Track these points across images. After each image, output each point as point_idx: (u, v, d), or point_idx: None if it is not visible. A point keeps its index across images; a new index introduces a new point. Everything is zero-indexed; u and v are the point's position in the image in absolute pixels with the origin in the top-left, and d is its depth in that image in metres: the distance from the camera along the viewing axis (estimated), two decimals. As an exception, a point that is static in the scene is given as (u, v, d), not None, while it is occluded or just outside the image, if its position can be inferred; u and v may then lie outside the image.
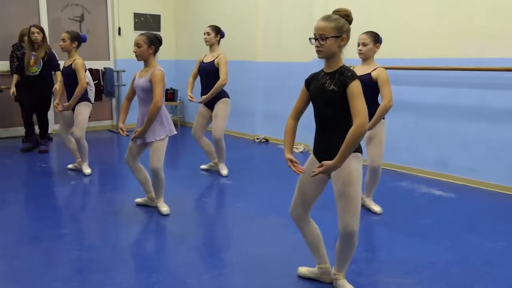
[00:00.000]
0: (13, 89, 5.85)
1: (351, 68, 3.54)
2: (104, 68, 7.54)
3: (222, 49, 4.83)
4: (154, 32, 3.70)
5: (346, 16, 2.25)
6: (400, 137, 5.14)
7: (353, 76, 2.20)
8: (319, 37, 2.22)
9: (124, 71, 7.68)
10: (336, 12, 2.26)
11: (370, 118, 3.16)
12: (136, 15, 7.96)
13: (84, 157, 4.95)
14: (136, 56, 3.58)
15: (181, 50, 8.47)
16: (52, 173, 5.10)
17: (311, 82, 2.39)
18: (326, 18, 2.23)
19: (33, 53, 5.52)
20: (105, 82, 7.47)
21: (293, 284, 2.66)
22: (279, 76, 6.69)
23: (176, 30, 8.48)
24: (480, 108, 4.60)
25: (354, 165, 2.30)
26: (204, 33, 4.78)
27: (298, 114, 2.48)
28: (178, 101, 8.22)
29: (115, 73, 7.70)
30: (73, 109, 4.80)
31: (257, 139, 6.97)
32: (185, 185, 4.67)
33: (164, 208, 3.77)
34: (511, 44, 4.32)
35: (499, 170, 4.51)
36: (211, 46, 4.79)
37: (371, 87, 3.51)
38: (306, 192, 2.47)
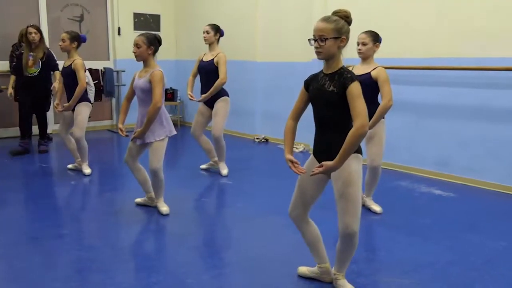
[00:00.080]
0: (10, 90, 5.81)
1: (351, 67, 3.57)
2: (104, 68, 7.54)
3: (222, 49, 4.83)
4: (154, 32, 3.70)
5: (345, 17, 2.25)
6: (400, 137, 5.14)
7: (353, 78, 2.20)
8: (319, 38, 2.22)
9: (124, 71, 7.69)
10: (335, 13, 2.26)
11: (370, 118, 3.16)
12: (136, 15, 7.96)
13: (84, 157, 4.95)
14: (136, 56, 3.58)
15: (181, 50, 8.47)
16: (52, 173, 5.10)
17: (310, 83, 2.39)
18: (326, 19, 2.23)
19: (31, 53, 5.49)
20: (105, 82, 7.47)
21: (293, 283, 2.66)
22: (279, 76, 6.69)
23: (176, 30, 8.48)
24: (480, 108, 4.60)
25: (354, 166, 2.29)
26: (204, 32, 4.78)
27: (297, 114, 2.48)
28: (178, 101, 8.22)
29: (114, 73, 7.70)
30: (73, 109, 4.80)
31: (257, 139, 6.97)
32: (185, 185, 4.67)
33: (164, 208, 3.77)
34: (511, 43, 4.32)
35: (499, 170, 4.51)
36: (210, 44, 4.79)
37: (371, 87, 3.51)
38: (306, 192, 2.47)
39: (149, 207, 3.92)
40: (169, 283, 2.64)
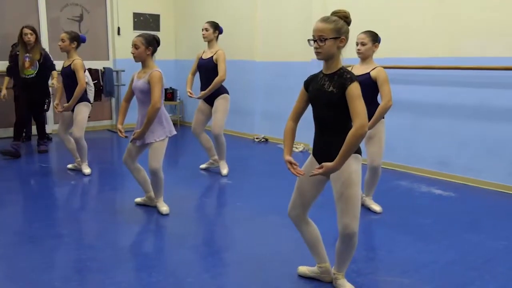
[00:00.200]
0: (4, 92, 5.71)
1: (350, 67, 3.56)
2: (104, 68, 7.54)
3: (221, 48, 4.82)
4: (152, 33, 3.70)
5: (344, 18, 2.25)
6: (400, 136, 5.14)
7: (352, 78, 2.20)
8: (318, 38, 2.22)
9: (123, 71, 7.69)
10: (334, 13, 2.26)
11: (369, 118, 3.16)
12: (136, 15, 7.96)
13: (83, 157, 4.95)
14: (134, 57, 3.57)
15: (180, 49, 8.47)
16: (51, 173, 5.10)
17: (310, 83, 2.39)
18: (325, 20, 2.23)
19: (27, 54, 5.42)
20: (104, 82, 7.47)
21: (293, 283, 2.66)
22: (278, 75, 6.69)
23: (176, 29, 8.48)
24: (480, 107, 4.60)
25: (354, 166, 2.29)
26: (202, 29, 4.78)
27: (297, 115, 2.48)
28: (178, 101, 8.22)
29: (114, 73, 7.69)
30: (73, 110, 4.80)
31: (256, 138, 6.97)
32: (185, 185, 4.67)
33: (164, 208, 3.77)
34: (510, 43, 4.32)
35: (499, 169, 4.51)
36: (209, 42, 4.79)
37: (370, 87, 3.51)
38: (305, 192, 2.47)
39: (149, 207, 3.92)
40: (169, 283, 2.64)
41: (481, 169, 4.63)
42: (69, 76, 4.71)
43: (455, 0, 4.67)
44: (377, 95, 3.61)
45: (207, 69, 4.76)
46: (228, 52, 5.05)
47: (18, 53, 5.50)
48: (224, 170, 4.96)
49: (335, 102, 2.23)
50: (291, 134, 2.46)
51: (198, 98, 4.84)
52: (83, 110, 4.80)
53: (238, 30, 7.00)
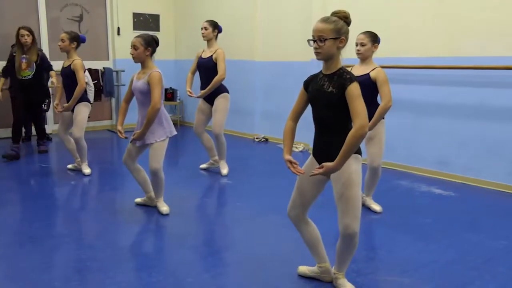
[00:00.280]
0: None
1: (349, 68, 3.56)
2: (104, 68, 7.54)
3: (221, 48, 4.82)
4: (152, 33, 3.69)
5: (344, 18, 2.25)
6: (399, 136, 5.14)
7: (352, 79, 2.20)
8: (318, 38, 2.22)
9: (123, 71, 7.68)
10: (334, 13, 2.26)
11: (369, 119, 3.15)
12: (135, 15, 7.96)
13: (83, 157, 4.95)
14: (133, 58, 3.57)
15: (180, 49, 8.47)
16: (52, 173, 5.10)
17: (309, 84, 2.39)
18: (325, 20, 2.23)
19: (24, 56, 5.35)
20: (104, 82, 7.47)
21: (293, 283, 2.66)
22: (278, 75, 6.69)
23: (175, 29, 8.48)
24: (480, 107, 4.60)
25: (354, 167, 2.29)
26: (202, 28, 4.78)
27: (297, 115, 2.48)
28: (178, 101, 8.22)
29: (114, 73, 7.69)
30: (72, 110, 4.80)
31: (256, 138, 6.97)
32: (185, 185, 4.67)
33: (164, 208, 3.77)
34: (510, 42, 4.32)
35: (498, 169, 4.52)
36: (208, 41, 4.79)
37: (370, 88, 3.50)
38: (305, 192, 2.47)
39: (149, 207, 3.92)
40: (169, 283, 2.64)
41: (481, 168, 4.64)
42: (69, 76, 4.70)
43: (455, 0, 4.67)
44: (376, 95, 3.60)
45: (206, 68, 4.76)
46: (228, 52, 5.05)
47: (14, 54, 5.45)
48: (224, 170, 4.96)
49: (334, 103, 2.23)
50: (290, 133, 2.46)
51: (198, 97, 4.84)
52: (83, 110, 4.80)
53: (238, 30, 7.00)
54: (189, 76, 4.96)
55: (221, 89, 4.79)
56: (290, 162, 2.34)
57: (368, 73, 3.54)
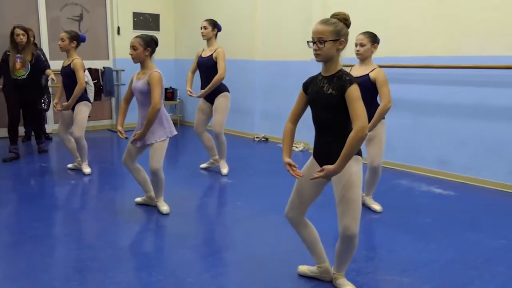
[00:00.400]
0: None
1: (349, 68, 3.56)
2: (104, 67, 7.54)
3: (221, 47, 4.82)
4: (152, 33, 3.69)
5: (344, 20, 2.24)
6: (399, 135, 5.15)
7: (351, 80, 2.20)
8: (317, 40, 2.21)
9: (123, 70, 7.68)
10: (334, 15, 2.26)
11: (369, 120, 3.15)
12: (135, 15, 7.96)
13: (83, 157, 4.95)
14: (133, 58, 3.56)
15: (180, 49, 8.47)
16: (52, 173, 5.10)
17: (309, 85, 2.39)
18: (324, 22, 2.23)
19: (18, 55, 5.28)
20: (104, 81, 7.47)
21: (293, 283, 2.66)
22: (278, 75, 6.69)
23: (175, 29, 8.48)
24: (479, 106, 4.60)
25: (355, 168, 2.29)
26: (201, 27, 4.78)
27: (296, 117, 2.47)
28: (178, 100, 8.22)
29: (114, 73, 7.69)
30: (73, 109, 4.80)
31: (256, 138, 6.97)
32: (185, 184, 4.67)
33: (164, 207, 3.77)
34: (509, 42, 4.32)
35: (498, 168, 4.52)
36: (208, 40, 4.79)
37: (369, 88, 3.50)
38: (304, 194, 2.46)
39: (149, 207, 3.92)
40: (169, 282, 2.64)
41: (481, 168, 4.64)
42: (69, 76, 4.71)
43: (455, 0, 4.67)
44: (376, 96, 3.60)
45: (206, 67, 4.76)
46: (228, 51, 5.05)
47: (8, 53, 5.38)
48: (224, 170, 4.97)
49: (334, 105, 2.23)
50: (290, 135, 2.45)
51: (198, 96, 4.84)
52: (83, 110, 4.81)
53: (238, 30, 7.00)
54: (189, 75, 4.95)
55: (221, 88, 4.79)
56: (290, 165, 2.34)
57: (368, 74, 3.54)
